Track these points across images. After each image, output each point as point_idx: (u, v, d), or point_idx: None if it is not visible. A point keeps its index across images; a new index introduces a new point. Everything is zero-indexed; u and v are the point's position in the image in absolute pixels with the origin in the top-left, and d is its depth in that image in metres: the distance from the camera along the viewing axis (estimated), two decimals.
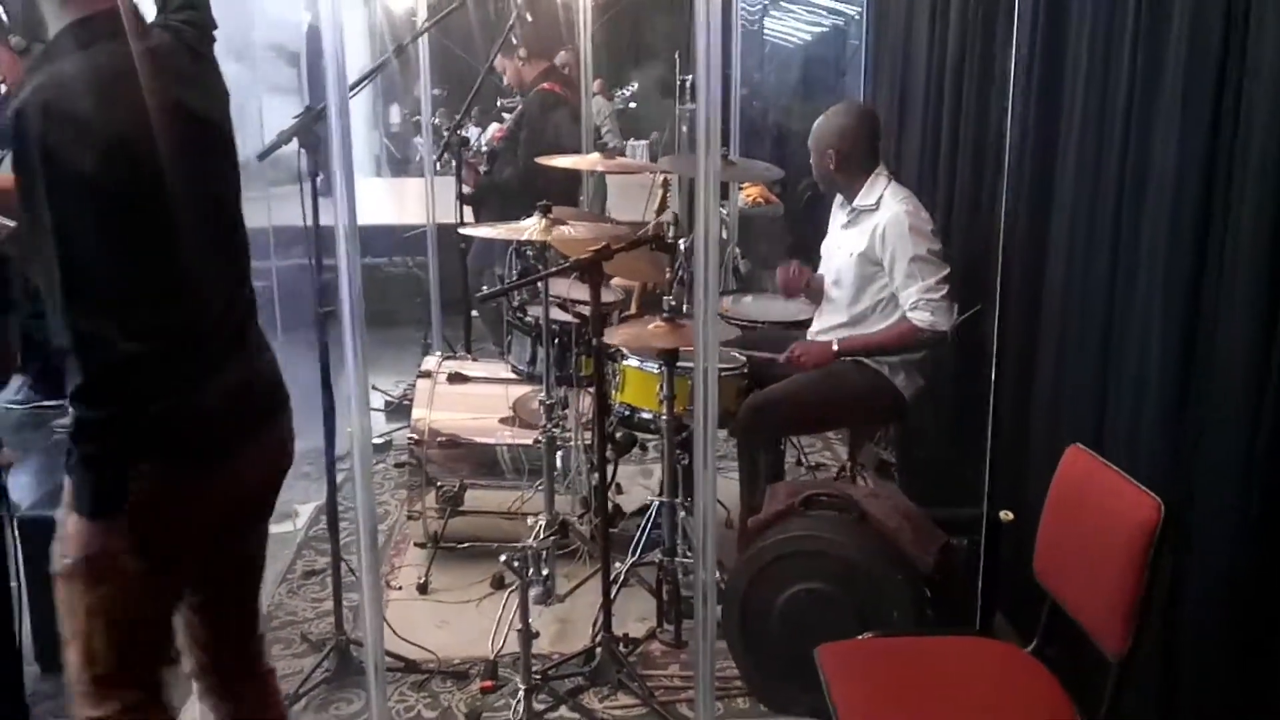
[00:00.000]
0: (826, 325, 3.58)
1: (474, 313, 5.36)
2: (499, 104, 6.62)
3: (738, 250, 4.88)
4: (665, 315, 3.13)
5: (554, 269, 3.07)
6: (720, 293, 4.43)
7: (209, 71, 1.97)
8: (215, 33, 2.06)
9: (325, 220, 4.09)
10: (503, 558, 2.61)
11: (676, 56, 8.01)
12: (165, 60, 1.83)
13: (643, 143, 8.27)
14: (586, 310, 3.56)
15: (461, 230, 3.31)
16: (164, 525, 1.82)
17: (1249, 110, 2.07)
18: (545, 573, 2.69)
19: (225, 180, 1.98)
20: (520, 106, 5.52)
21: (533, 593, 2.64)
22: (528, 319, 3.59)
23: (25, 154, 1.63)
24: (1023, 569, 2.97)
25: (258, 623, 2.26)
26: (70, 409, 1.72)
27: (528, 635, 2.70)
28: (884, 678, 2.24)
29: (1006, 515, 3.02)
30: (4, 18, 2.38)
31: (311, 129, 2.89)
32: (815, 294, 3.72)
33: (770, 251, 5.71)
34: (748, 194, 5.78)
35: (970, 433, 3.69)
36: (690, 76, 6.64)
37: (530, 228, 3.07)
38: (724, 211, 5.39)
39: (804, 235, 6.03)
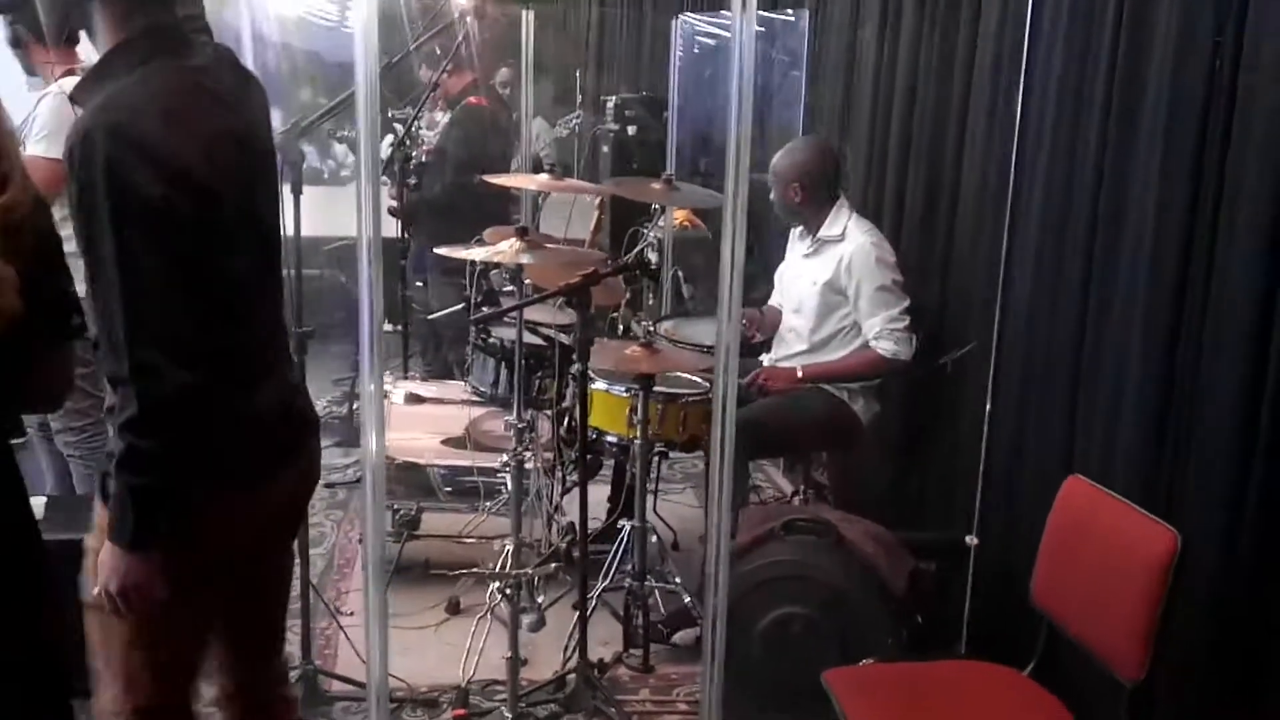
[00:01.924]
0: (787, 352, 3.65)
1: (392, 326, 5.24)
2: (390, 114, 6.53)
3: (680, 274, 4.90)
4: (643, 340, 3.14)
5: (542, 294, 3.03)
6: (662, 317, 4.47)
7: (255, 91, 1.91)
8: None
9: None
10: (494, 584, 2.56)
11: (578, 74, 8.05)
12: (216, 81, 1.78)
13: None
14: (552, 333, 3.55)
15: (437, 251, 3.23)
16: (204, 553, 1.77)
17: (1242, 128, 2.18)
18: (541, 599, 2.65)
19: (271, 204, 1.94)
20: (447, 121, 5.46)
21: (526, 620, 2.59)
22: (491, 340, 3.54)
23: (89, 177, 1.55)
24: (985, 592, 3.09)
25: (282, 647, 2.21)
26: (117, 439, 1.63)
27: (515, 663, 2.66)
28: (897, 703, 2.28)
29: (971, 540, 3.13)
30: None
31: (294, 143, 2.81)
32: (769, 326, 3.78)
33: (703, 275, 5.75)
34: (675, 218, 5.83)
35: (914, 459, 3.81)
36: (615, 98, 6.70)
37: (506, 250, 3.03)
38: (654, 236, 5.41)
39: None
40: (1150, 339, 2.42)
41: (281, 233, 1.99)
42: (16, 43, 3.12)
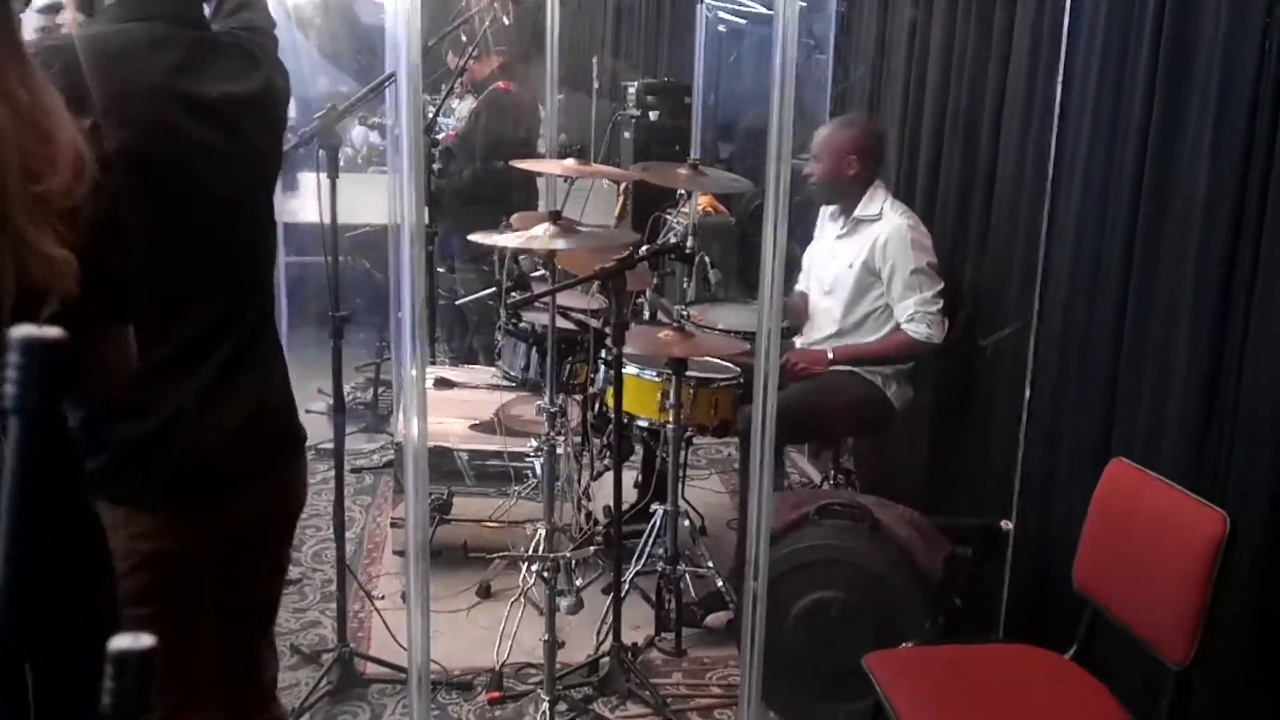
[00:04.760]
0: (818, 335, 3.64)
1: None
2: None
3: (708, 259, 4.90)
4: (676, 324, 3.14)
5: (576, 279, 3.03)
6: (689, 302, 4.46)
7: (261, 77, 1.85)
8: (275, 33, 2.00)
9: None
10: (532, 567, 2.57)
11: (595, 61, 8.03)
12: (206, 55, 1.74)
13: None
14: (583, 317, 3.55)
15: (472, 238, 3.22)
16: (160, 570, 1.71)
17: None
18: (578, 583, 2.65)
19: (245, 191, 1.85)
20: (475, 105, 5.45)
21: (564, 603, 2.60)
22: (521, 325, 3.54)
23: None
24: (1022, 577, 3.09)
25: (271, 668, 2.13)
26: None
27: (553, 646, 2.67)
28: (939, 686, 2.28)
29: (1006, 525, 3.12)
30: None
31: (333, 129, 2.81)
32: (803, 314, 3.77)
33: (725, 260, 5.74)
34: (698, 203, 5.82)
35: (948, 444, 3.80)
36: (635, 83, 6.68)
37: (539, 235, 3.03)
38: (677, 222, 5.40)
39: (753, 246, 6.07)
40: (1197, 322, 2.41)
41: (264, 228, 1.90)
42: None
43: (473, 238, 3.15)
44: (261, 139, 1.89)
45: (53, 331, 0.52)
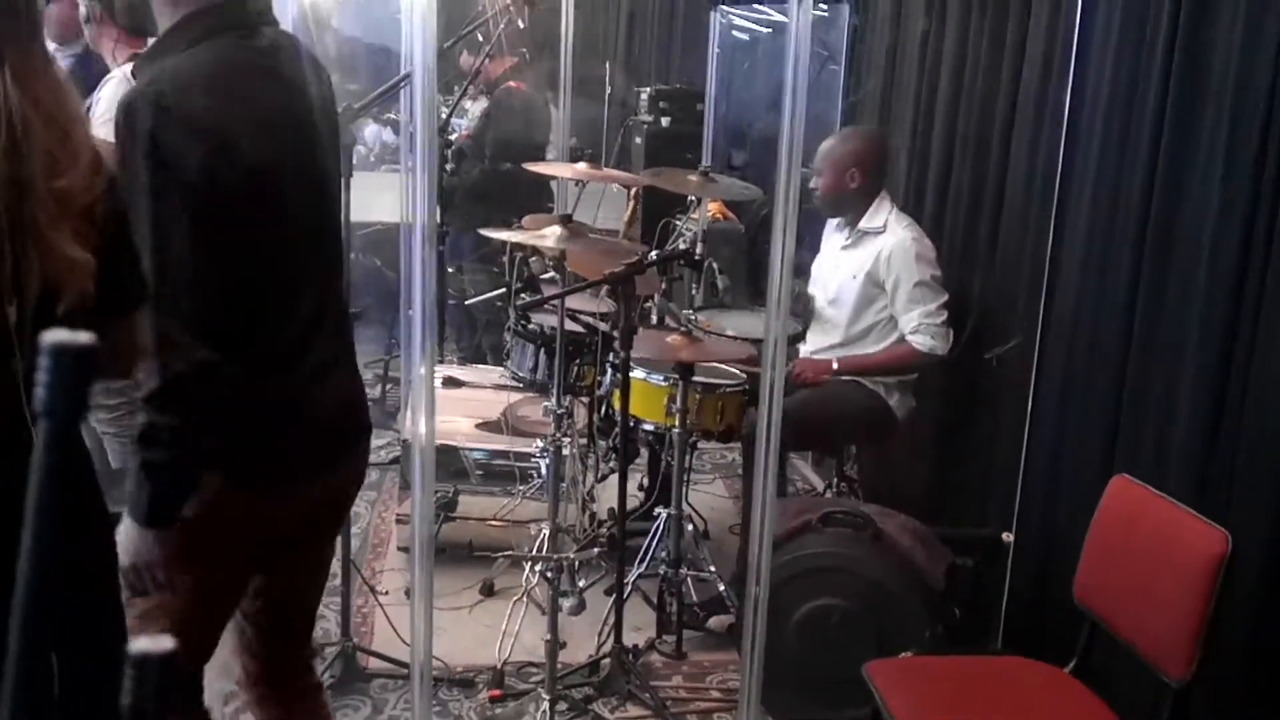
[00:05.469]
0: (822, 344, 3.65)
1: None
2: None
3: (715, 266, 4.92)
4: (683, 329, 3.16)
5: (586, 282, 3.05)
6: (697, 308, 4.48)
7: (318, 77, 1.89)
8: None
9: None
10: (535, 567, 2.58)
11: (608, 66, 8.05)
12: (273, 61, 1.77)
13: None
14: (591, 320, 3.57)
15: (482, 232, 3.24)
16: (225, 540, 1.74)
17: None
18: (581, 584, 2.67)
19: (329, 191, 1.92)
20: (486, 105, 5.48)
21: (567, 604, 2.61)
22: (530, 326, 3.56)
23: (130, 147, 1.55)
24: (1022, 589, 3.10)
25: (311, 634, 2.20)
26: (140, 413, 1.60)
27: (555, 646, 2.69)
28: (939, 696, 2.30)
29: (1008, 536, 3.13)
30: None
31: (347, 129, 2.83)
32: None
33: (733, 267, 5.75)
34: (708, 210, 5.84)
35: (951, 454, 3.81)
36: (647, 89, 6.71)
37: (550, 236, 3.05)
38: (686, 228, 5.42)
39: (762, 253, 6.08)
40: (1203, 338, 2.41)
41: (342, 221, 1.98)
42: (87, 18, 3.11)
43: (482, 232, 3.16)
44: (333, 137, 1.95)
45: (84, 338, 0.54)
